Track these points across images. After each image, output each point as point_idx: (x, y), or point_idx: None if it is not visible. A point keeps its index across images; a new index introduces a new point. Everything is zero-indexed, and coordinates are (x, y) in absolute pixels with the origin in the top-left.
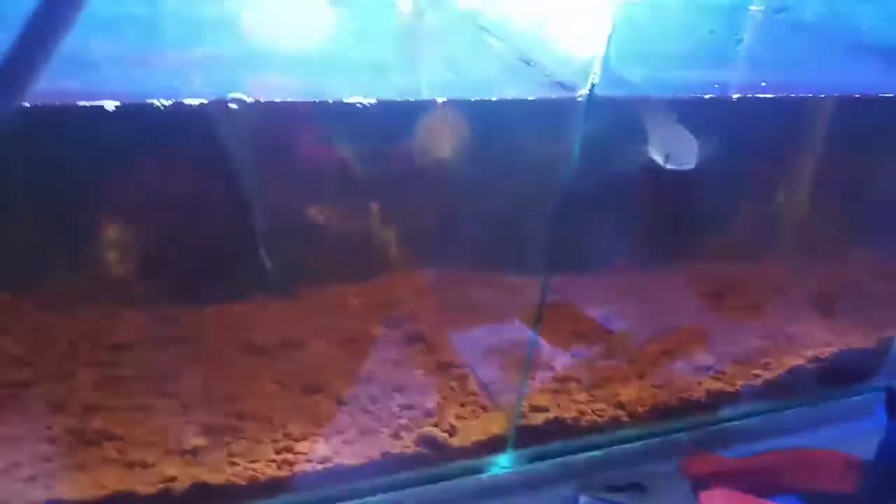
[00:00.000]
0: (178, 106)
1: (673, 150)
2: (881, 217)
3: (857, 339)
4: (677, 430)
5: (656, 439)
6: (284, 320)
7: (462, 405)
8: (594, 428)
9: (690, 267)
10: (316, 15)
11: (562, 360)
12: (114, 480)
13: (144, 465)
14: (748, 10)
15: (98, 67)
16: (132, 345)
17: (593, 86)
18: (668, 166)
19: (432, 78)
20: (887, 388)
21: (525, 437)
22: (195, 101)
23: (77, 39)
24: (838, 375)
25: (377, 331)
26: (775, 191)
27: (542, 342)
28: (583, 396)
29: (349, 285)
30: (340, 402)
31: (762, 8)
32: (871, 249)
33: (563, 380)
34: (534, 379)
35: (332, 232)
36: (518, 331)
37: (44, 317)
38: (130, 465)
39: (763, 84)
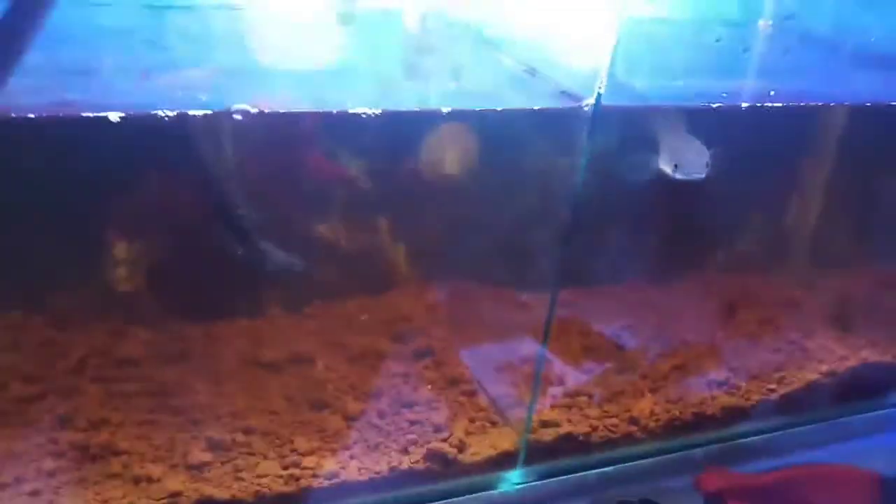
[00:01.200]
0: (183, 117)
1: (682, 159)
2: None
3: (875, 353)
4: (691, 446)
5: (670, 455)
6: (293, 336)
7: (471, 420)
8: (606, 443)
9: (702, 281)
10: (323, 32)
11: (573, 376)
12: (118, 495)
13: (150, 480)
14: (755, 21)
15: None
16: (139, 361)
17: (599, 95)
18: (678, 176)
19: (438, 89)
20: None
21: (536, 452)
22: (200, 112)
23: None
24: (856, 390)
25: (386, 346)
26: (786, 202)
27: (553, 358)
28: (594, 412)
29: (358, 301)
30: (348, 418)
31: (770, 21)
32: (885, 261)
33: (575, 395)
34: (545, 395)
35: (342, 247)
36: (528, 346)
37: (52, 333)
38: (136, 480)
39: (771, 93)
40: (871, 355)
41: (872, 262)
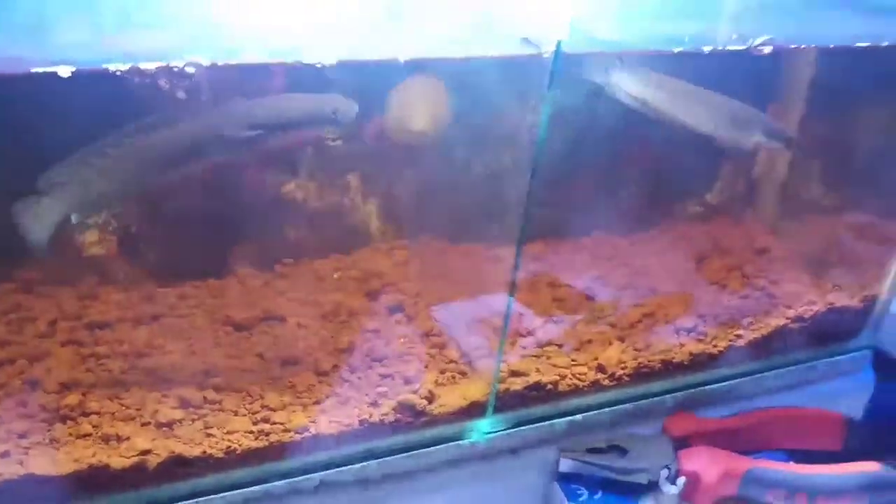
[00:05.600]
0: (136, 71)
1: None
2: (867, 174)
3: (841, 298)
4: (659, 393)
5: (638, 402)
6: (264, 295)
7: (442, 372)
8: (574, 391)
9: (671, 230)
10: None
11: (543, 327)
12: (88, 454)
13: (119, 439)
14: None
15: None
16: (111, 323)
17: (559, 43)
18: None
19: (394, 37)
20: (874, 348)
21: (505, 402)
22: (152, 65)
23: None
24: (823, 335)
25: (358, 303)
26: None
27: (524, 310)
28: (563, 360)
29: (330, 259)
30: (319, 373)
31: None
32: (855, 206)
33: (545, 345)
34: (515, 346)
35: (311, 206)
36: (498, 299)
37: (23, 298)
38: (105, 439)
39: (734, 36)
40: (837, 300)
41: (843, 208)
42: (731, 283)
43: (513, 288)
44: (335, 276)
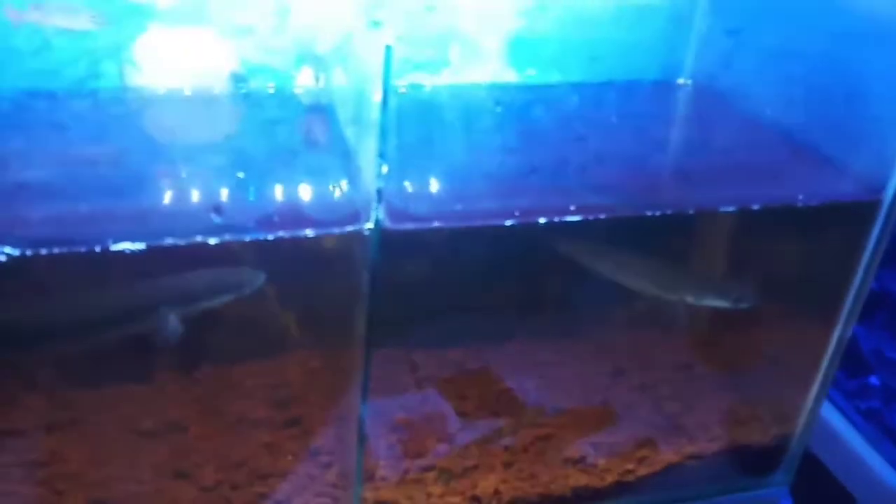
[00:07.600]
0: None
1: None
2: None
3: (752, 434)
4: None
5: None
6: (176, 402)
7: (317, 495)
8: None
9: (597, 338)
10: None
11: (434, 447)
12: None
13: None
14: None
15: None
16: (25, 431)
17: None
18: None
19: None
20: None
21: None
22: None
23: None
24: (727, 472)
25: (261, 414)
26: None
27: (416, 427)
28: (438, 489)
29: (247, 366)
30: (203, 489)
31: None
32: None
33: (427, 469)
34: (398, 469)
35: (234, 312)
36: (401, 412)
37: None
38: None
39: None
40: (745, 436)
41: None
42: (641, 406)
43: (364, 398)
44: (247, 384)
